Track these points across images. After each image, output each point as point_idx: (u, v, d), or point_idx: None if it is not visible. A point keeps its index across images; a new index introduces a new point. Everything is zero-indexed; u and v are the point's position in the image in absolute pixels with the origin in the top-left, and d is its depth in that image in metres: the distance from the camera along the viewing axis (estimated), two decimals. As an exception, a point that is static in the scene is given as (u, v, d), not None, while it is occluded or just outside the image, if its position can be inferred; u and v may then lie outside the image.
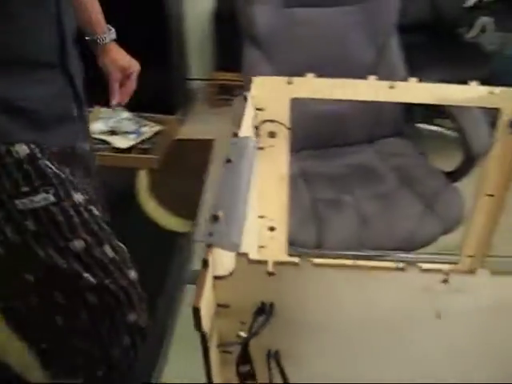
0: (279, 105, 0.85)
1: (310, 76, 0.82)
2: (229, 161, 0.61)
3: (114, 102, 1.23)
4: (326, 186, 1.69)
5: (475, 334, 0.55)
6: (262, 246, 1.02)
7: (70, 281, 0.97)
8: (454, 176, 1.69)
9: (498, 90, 0.81)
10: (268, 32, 1.76)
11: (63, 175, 0.94)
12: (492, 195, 0.93)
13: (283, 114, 0.86)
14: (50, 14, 0.91)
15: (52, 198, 0.92)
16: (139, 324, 1.09)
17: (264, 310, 0.52)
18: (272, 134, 0.88)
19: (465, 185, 1.65)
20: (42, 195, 0.91)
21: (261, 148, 0.88)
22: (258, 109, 0.84)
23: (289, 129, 0.87)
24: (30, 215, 0.91)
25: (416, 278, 0.49)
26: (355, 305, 0.52)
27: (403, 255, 1.17)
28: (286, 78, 0.83)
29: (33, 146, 0.90)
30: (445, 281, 0.50)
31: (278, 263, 0.49)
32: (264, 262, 0.49)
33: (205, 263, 0.47)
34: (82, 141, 1.08)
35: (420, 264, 0.49)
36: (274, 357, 0.55)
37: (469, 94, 0.82)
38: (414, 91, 0.83)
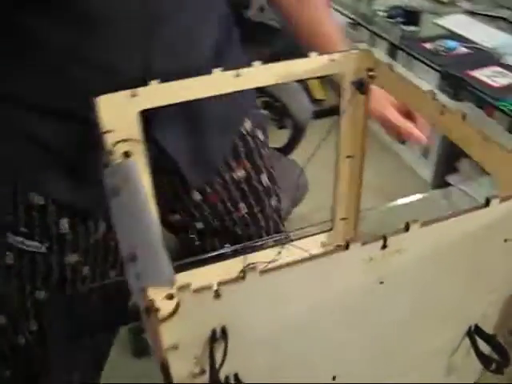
0: (127, 121, 0.78)
1: (155, 83, 0.77)
2: (116, 193, 0.55)
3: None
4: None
5: (414, 289, 0.56)
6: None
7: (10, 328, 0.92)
8: (286, 150, 1.75)
9: (337, 55, 0.83)
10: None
11: (69, 236, 0.88)
12: (351, 156, 0.96)
13: (134, 130, 0.80)
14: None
15: (43, 249, 0.88)
16: None
17: (217, 337, 0.47)
18: (127, 154, 0.81)
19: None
20: (36, 243, 0.88)
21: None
22: (107, 131, 0.77)
23: (143, 143, 0.82)
24: (15, 250, 0.87)
25: (358, 252, 0.48)
26: (305, 299, 0.50)
27: (278, 238, 1.18)
28: (129, 92, 0.76)
29: (51, 201, 0.86)
30: (384, 247, 0.49)
31: (222, 283, 0.44)
32: (207, 287, 0.44)
33: (148, 311, 0.41)
34: None
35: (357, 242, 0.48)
36: (235, 381, 0.51)
37: (311, 65, 0.83)
38: (260, 75, 0.81)
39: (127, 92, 0.77)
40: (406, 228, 0.50)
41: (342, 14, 2.62)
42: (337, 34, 1.12)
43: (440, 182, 2.31)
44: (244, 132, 1.15)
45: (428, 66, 1.86)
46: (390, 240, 0.49)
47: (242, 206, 1.17)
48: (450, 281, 0.59)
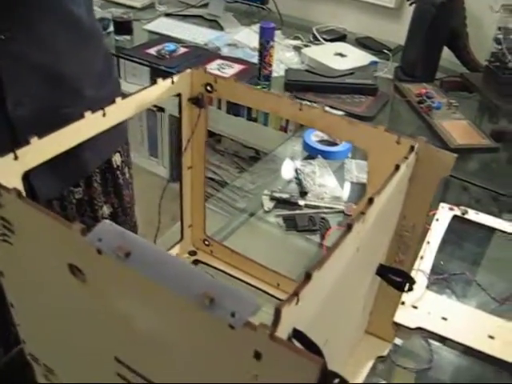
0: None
1: (34, 140, 0.73)
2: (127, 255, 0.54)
3: None
4: None
5: (370, 250, 0.70)
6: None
7: None
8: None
9: (176, 77, 0.90)
10: None
11: None
12: (192, 167, 1.04)
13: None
14: None
15: None
16: None
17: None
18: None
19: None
20: None
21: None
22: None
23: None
24: None
25: (355, 229, 0.59)
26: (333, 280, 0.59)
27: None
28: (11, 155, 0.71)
29: None
30: (363, 220, 0.62)
31: (299, 288, 0.51)
32: (294, 295, 0.50)
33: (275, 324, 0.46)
34: None
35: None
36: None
37: (160, 90, 0.88)
38: (123, 109, 0.83)
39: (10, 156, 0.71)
40: (370, 201, 0.63)
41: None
42: None
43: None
44: (114, 165, 1.18)
45: (161, 70, 1.95)
46: (367, 212, 0.62)
47: None
48: (382, 234, 0.75)
